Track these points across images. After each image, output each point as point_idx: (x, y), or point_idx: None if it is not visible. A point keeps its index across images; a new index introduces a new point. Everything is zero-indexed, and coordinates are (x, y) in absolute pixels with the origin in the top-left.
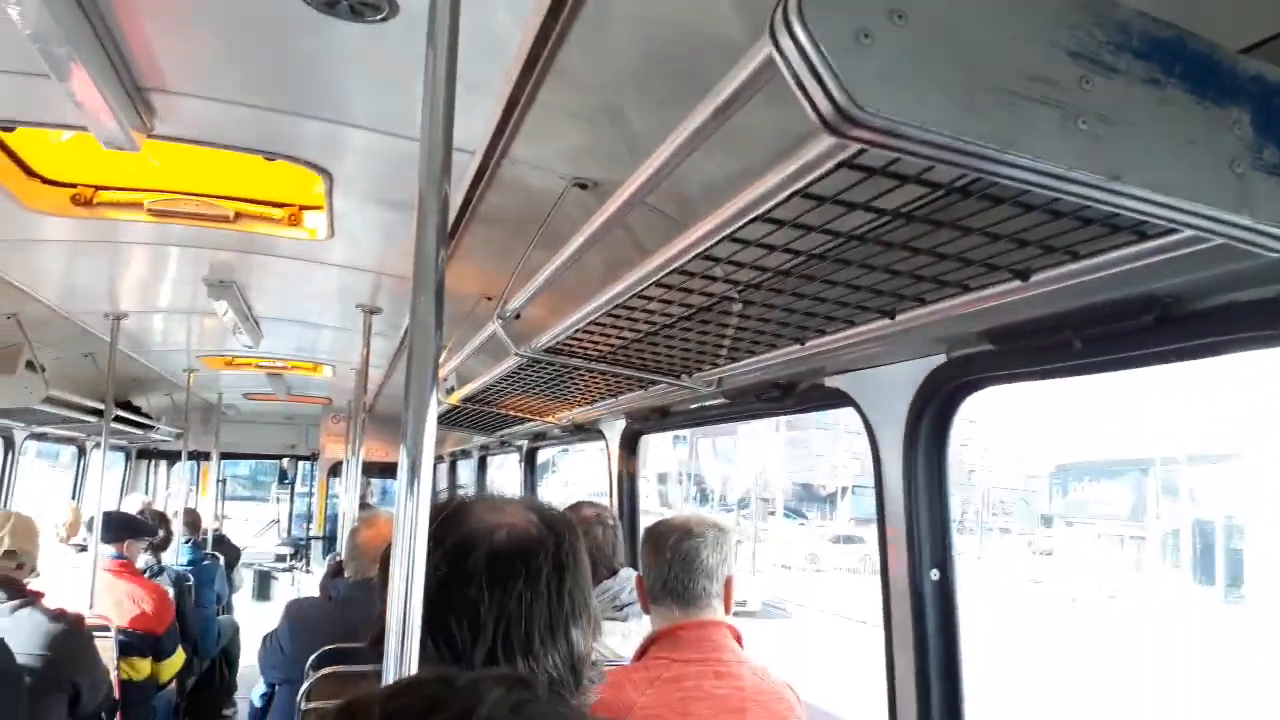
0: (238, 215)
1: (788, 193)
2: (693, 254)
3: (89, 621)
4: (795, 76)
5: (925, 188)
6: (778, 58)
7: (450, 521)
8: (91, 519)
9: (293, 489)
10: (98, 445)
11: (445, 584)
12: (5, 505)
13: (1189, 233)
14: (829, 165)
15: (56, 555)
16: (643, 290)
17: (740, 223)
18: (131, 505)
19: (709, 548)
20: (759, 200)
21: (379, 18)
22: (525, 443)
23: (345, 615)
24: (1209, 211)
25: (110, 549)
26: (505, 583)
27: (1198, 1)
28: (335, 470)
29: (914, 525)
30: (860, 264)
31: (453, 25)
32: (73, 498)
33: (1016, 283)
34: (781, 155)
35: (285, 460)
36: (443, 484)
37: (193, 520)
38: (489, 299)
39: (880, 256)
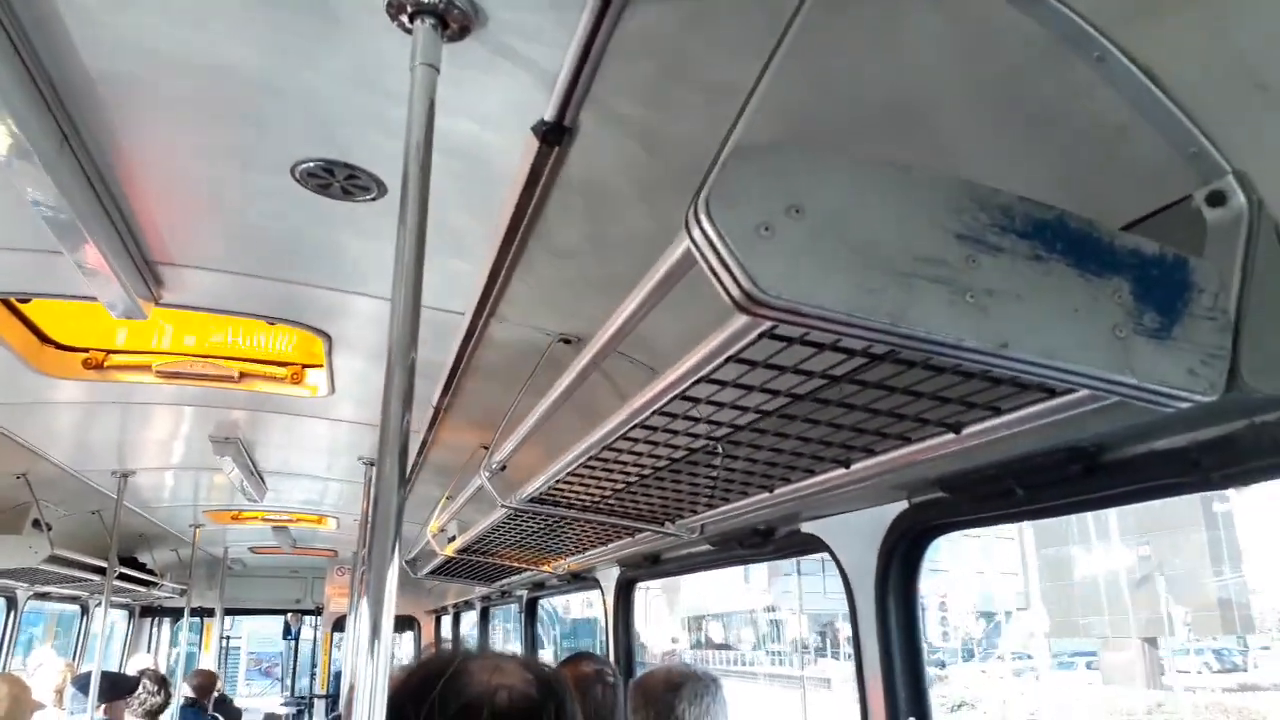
0: (242, 375)
1: (722, 359)
2: (651, 410)
3: None
4: (708, 264)
5: (843, 354)
6: (693, 248)
7: (452, 683)
8: (88, 675)
9: (296, 644)
10: (100, 604)
11: None
12: (5, 666)
13: (1086, 391)
14: (753, 335)
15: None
16: (613, 443)
17: (687, 384)
18: (138, 666)
19: (684, 701)
20: (700, 364)
21: (369, 198)
22: (525, 592)
23: None
24: (1096, 372)
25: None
26: None
27: (1083, 187)
28: (340, 624)
29: (890, 670)
30: (806, 419)
31: (421, 205)
32: (72, 658)
33: (951, 435)
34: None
35: (289, 615)
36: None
37: (204, 682)
38: (485, 448)
39: (823, 412)
